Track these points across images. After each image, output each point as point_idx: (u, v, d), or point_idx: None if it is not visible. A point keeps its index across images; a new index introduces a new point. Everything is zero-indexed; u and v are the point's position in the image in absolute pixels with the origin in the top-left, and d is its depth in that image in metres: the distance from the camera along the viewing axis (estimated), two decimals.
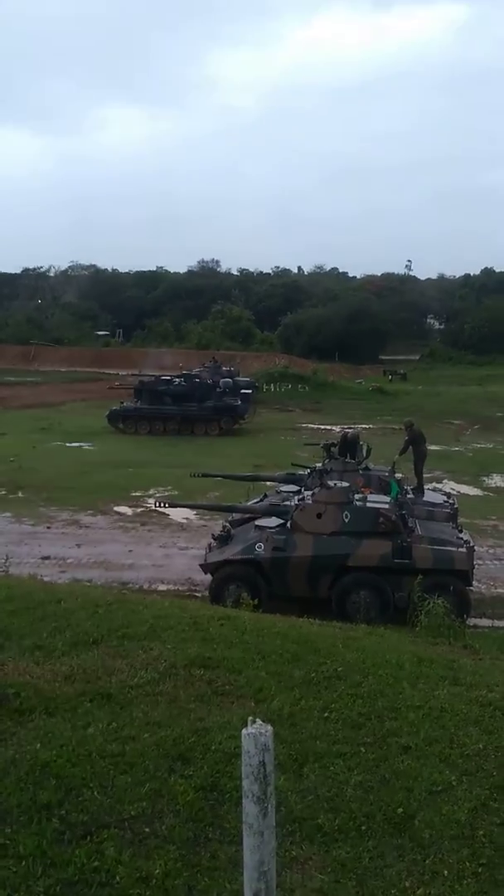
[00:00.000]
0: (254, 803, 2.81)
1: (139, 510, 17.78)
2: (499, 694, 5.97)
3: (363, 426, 20.34)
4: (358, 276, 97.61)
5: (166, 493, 18.98)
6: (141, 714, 5.28)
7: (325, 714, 5.43)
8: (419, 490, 14.98)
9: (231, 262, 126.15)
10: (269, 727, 2.88)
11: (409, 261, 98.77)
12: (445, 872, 3.91)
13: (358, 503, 11.61)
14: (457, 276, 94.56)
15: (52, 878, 3.71)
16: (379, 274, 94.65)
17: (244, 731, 2.87)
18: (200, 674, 5.94)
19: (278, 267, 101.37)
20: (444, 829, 4.24)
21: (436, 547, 11.25)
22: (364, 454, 16.28)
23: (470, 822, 4.31)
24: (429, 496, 14.53)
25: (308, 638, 7.01)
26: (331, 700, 5.63)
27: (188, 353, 55.44)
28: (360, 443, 15.61)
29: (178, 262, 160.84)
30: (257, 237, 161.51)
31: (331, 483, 12.05)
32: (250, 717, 2.92)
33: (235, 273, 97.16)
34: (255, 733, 2.83)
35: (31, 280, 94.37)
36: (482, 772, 4.80)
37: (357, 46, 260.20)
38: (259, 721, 2.89)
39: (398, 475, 13.78)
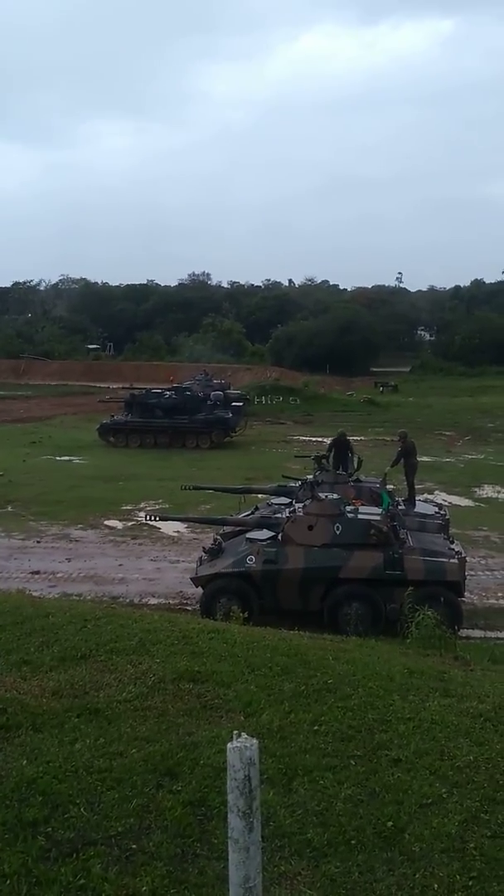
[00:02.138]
0: (239, 818, 2.77)
1: (130, 524, 17.70)
2: (489, 705, 5.94)
3: (354, 438, 20.33)
4: (349, 289, 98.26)
5: (157, 507, 18.92)
6: (129, 729, 5.23)
7: (315, 727, 5.38)
8: (411, 501, 14.99)
9: (222, 275, 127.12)
10: (255, 741, 2.85)
11: (399, 273, 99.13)
12: (436, 886, 3.87)
13: (349, 515, 11.59)
14: (447, 288, 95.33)
15: None
16: (370, 286, 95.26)
17: (229, 746, 2.84)
18: (189, 688, 5.90)
19: (269, 279, 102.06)
20: (434, 842, 4.20)
21: (427, 558, 11.23)
22: (356, 466, 16.30)
23: (460, 834, 4.27)
24: (420, 507, 14.53)
25: (298, 651, 6.97)
26: (321, 713, 5.59)
27: (180, 365, 55.53)
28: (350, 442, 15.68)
29: (169, 276, 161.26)
30: (248, 250, 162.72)
31: (322, 495, 12.04)
32: (235, 732, 2.89)
33: (226, 286, 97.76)
34: (241, 747, 2.79)
35: (22, 294, 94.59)
36: (473, 784, 4.77)
37: (346, 60, 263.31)
38: (244, 735, 2.85)
39: (389, 486, 13.80)
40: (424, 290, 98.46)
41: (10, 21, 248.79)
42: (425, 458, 24.28)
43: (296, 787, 4.67)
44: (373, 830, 4.28)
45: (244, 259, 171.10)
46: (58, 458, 27.63)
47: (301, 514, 11.68)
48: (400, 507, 13.24)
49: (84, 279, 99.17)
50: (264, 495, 15.13)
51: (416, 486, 16.58)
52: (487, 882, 3.90)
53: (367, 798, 4.58)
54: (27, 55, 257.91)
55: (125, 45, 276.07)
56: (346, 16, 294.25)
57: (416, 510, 14.07)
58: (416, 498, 15.68)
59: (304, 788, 4.65)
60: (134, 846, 4.04)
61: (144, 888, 3.73)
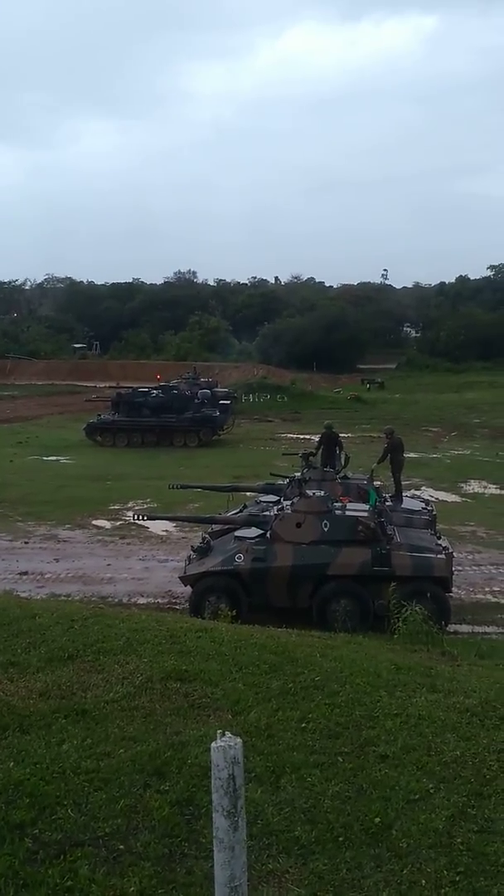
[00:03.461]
0: (224, 817, 2.77)
1: (118, 523, 17.67)
2: (476, 700, 5.97)
3: (342, 435, 20.35)
4: (335, 286, 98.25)
5: (145, 506, 18.89)
6: (116, 729, 5.21)
7: (303, 725, 5.39)
8: (398, 497, 15.04)
9: (208, 273, 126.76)
10: (239, 740, 2.84)
11: (385, 270, 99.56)
12: (423, 882, 3.88)
13: (337, 512, 11.61)
14: (432, 285, 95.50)
15: None
16: (355, 283, 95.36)
17: (213, 745, 2.84)
18: (177, 687, 5.89)
19: (255, 277, 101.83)
20: (421, 837, 4.21)
21: (415, 554, 11.27)
22: (343, 463, 16.33)
23: (448, 830, 4.28)
24: (407, 503, 14.57)
25: (286, 648, 6.98)
26: (308, 710, 5.60)
27: (166, 364, 55.42)
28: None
29: (155, 274, 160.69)
30: (234, 248, 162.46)
31: (310, 492, 12.06)
32: (219, 731, 2.88)
33: (212, 284, 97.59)
34: (224, 746, 2.79)
35: (7, 293, 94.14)
36: (460, 779, 4.79)
37: (328, 58, 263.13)
38: (228, 734, 2.85)
39: (377, 483, 13.83)
40: (410, 286, 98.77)
41: None
42: (412, 455, 24.33)
43: (283, 784, 4.67)
44: (360, 827, 4.29)
45: (230, 257, 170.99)
46: (45, 458, 27.54)
47: (289, 511, 11.70)
48: (387, 504, 13.28)
49: (69, 278, 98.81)
50: (252, 493, 15.13)
51: (403, 483, 16.63)
52: (475, 877, 3.92)
53: (355, 794, 4.59)
54: (8, 54, 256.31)
55: (107, 44, 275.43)
56: (327, 12, 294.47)
57: (403, 506, 14.11)
58: (403, 494, 15.73)
59: (291, 786, 4.65)
60: (121, 847, 4.04)
61: (132, 889, 3.72)
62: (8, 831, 4.10)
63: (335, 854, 4.07)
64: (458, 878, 3.91)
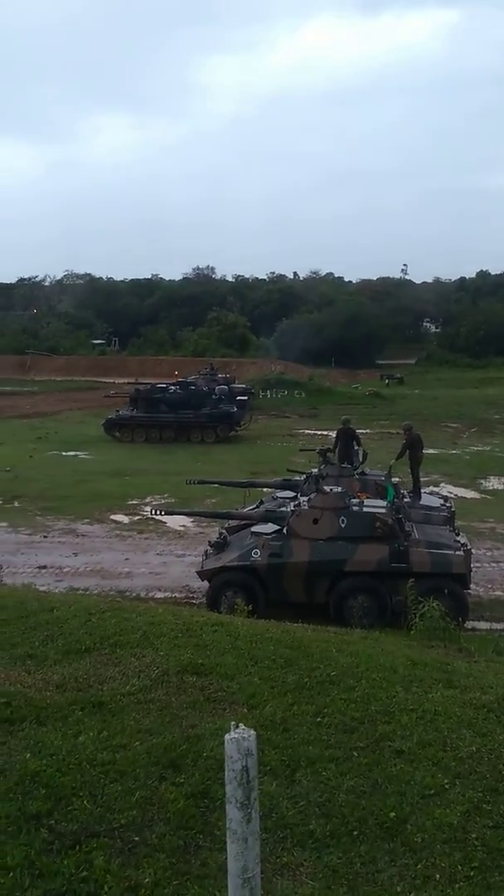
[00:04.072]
0: (237, 809, 2.78)
1: (136, 518, 17.74)
2: (492, 696, 5.94)
3: (360, 431, 20.30)
4: (354, 281, 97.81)
5: (163, 501, 18.95)
6: (132, 722, 5.25)
7: (318, 719, 5.40)
8: (416, 494, 14.97)
9: (226, 269, 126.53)
10: (252, 731, 2.85)
11: (404, 265, 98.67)
12: (438, 877, 3.88)
13: (354, 508, 11.58)
14: (452, 280, 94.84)
15: (40, 889, 3.68)
16: (374, 278, 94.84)
17: (227, 737, 2.85)
18: (193, 680, 5.91)
19: (273, 272, 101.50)
20: (436, 832, 4.21)
21: (433, 550, 11.22)
22: (361, 459, 16.28)
23: (462, 825, 4.27)
24: (426, 499, 14.51)
25: (302, 643, 6.98)
26: (324, 705, 5.60)
27: (184, 360, 55.51)
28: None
29: (173, 270, 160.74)
30: (252, 243, 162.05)
31: (327, 488, 12.03)
32: (233, 722, 2.89)
33: (231, 279, 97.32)
34: (238, 738, 2.80)
35: (26, 289, 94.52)
36: (475, 774, 4.77)
37: (348, 51, 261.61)
38: (242, 726, 2.86)
39: (395, 479, 13.77)
40: (430, 281, 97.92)
41: (11, 14, 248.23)
42: (431, 451, 24.23)
43: (298, 778, 4.68)
44: (375, 821, 4.29)
45: (249, 252, 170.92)
46: (64, 454, 27.69)
47: (306, 507, 11.67)
48: (405, 500, 13.22)
49: (88, 274, 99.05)
50: (269, 489, 15.13)
51: (422, 479, 16.56)
52: (489, 872, 3.91)
53: (370, 789, 4.59)
54: (28, 49, 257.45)
55: (125, 38, 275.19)
56: (347, 7, 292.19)
57: (421, 502, 14.05)
58: (422, 490, 15.66)
59: (306, 780, 4.66)
60: (137, 838, 4.06)
61: (147, 880, 3.75)
62: (24, 821, 4.14)
63: (350, 848, 4.08)
64: (472, 874, 3.90)
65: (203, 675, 6.01)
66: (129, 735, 5.06)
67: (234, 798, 2.78)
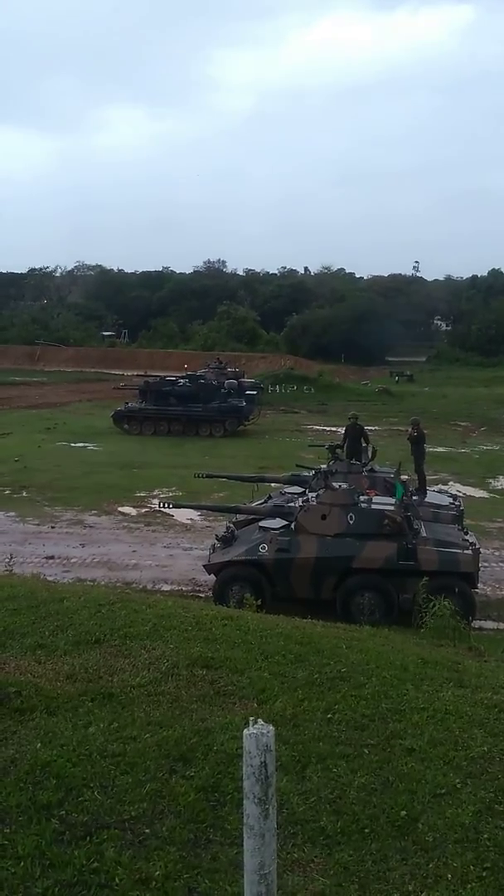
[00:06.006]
0: (255, 804, 2.76)
1: (143, 510, 17.76)
2: None
3: (369, 428, 20.25)
4: (365, 277, 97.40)
5: (171, 494, 18.95)
6: (142, 714, 5.23)
7: (329, 715, 5.37)
8: (421, 490, 14.94)
9: (237, 263, 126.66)
10: (271, 727, 2.83)
11: (416, 262, 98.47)
12: (449, 876, 3.85)
13: (363, 505, 11.56)
14: (464, 278, 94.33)
15: (50, 879, 3.66)
16: (386, 275, 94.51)
17: (245, 732, 2.83)
18: (203, 674, 5.90)
19: (285, 267, 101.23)
20: (448, 832, 4.18)
21: (441, 549, 11.19)
22: (370, 456, 16.24)
23: (474, 825, 4.25)
24: (434, 498, 14.48)
25: (312, 639, 6.96)
26: (334, 701, 5.58)
27: (193, 353, 55.47)
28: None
29: (184, 263, 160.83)
30: (263, 238, 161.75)
31: (335, 485, 12.01)
32: (251, 718, 2.88)
33: (241, 273, 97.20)
34: (257, 734, 2.78)
35: (37, 280, 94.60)
36: (487, 774, 4.74)
37: (361, 48, 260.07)
38: (261, 721, 2.84)
39: (404, 477, 13.73)
40: (441, 279, 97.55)
41: (22, 9, 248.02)
42: (440, 449, 24.21)
43: (309, 774, 4.66)
44: (386, 819, 4.27)
45: (260, 247, 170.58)
46: (73, 445, 27.74)
47: (314, 503, 11.66)
48: (414, 498, 13.20)
49: (99, 266, 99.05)
50: (277, 484, 15.11)
51: (431, 477, 16.53)
52: (501, 873, 3.88)
53: (381, 787, 4.57)
54: (38, 36, 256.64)
55: (137, 31, 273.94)
56: (360, 2, 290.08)
57: (430, 501, 14.01)
58: (429, 488, 15.62)
59: (317, 776, 4.64)
60: (147, 831, 4.05)
61: (157, 873, 3.74)
62: (35, 812, 4.13)
63: (361, 845, 4.06)
64: (484, 874, 3.87)
65: (213, 669, 5.99)
66: (140, 727, 5.05)
67: (252, 794, 2.76)
